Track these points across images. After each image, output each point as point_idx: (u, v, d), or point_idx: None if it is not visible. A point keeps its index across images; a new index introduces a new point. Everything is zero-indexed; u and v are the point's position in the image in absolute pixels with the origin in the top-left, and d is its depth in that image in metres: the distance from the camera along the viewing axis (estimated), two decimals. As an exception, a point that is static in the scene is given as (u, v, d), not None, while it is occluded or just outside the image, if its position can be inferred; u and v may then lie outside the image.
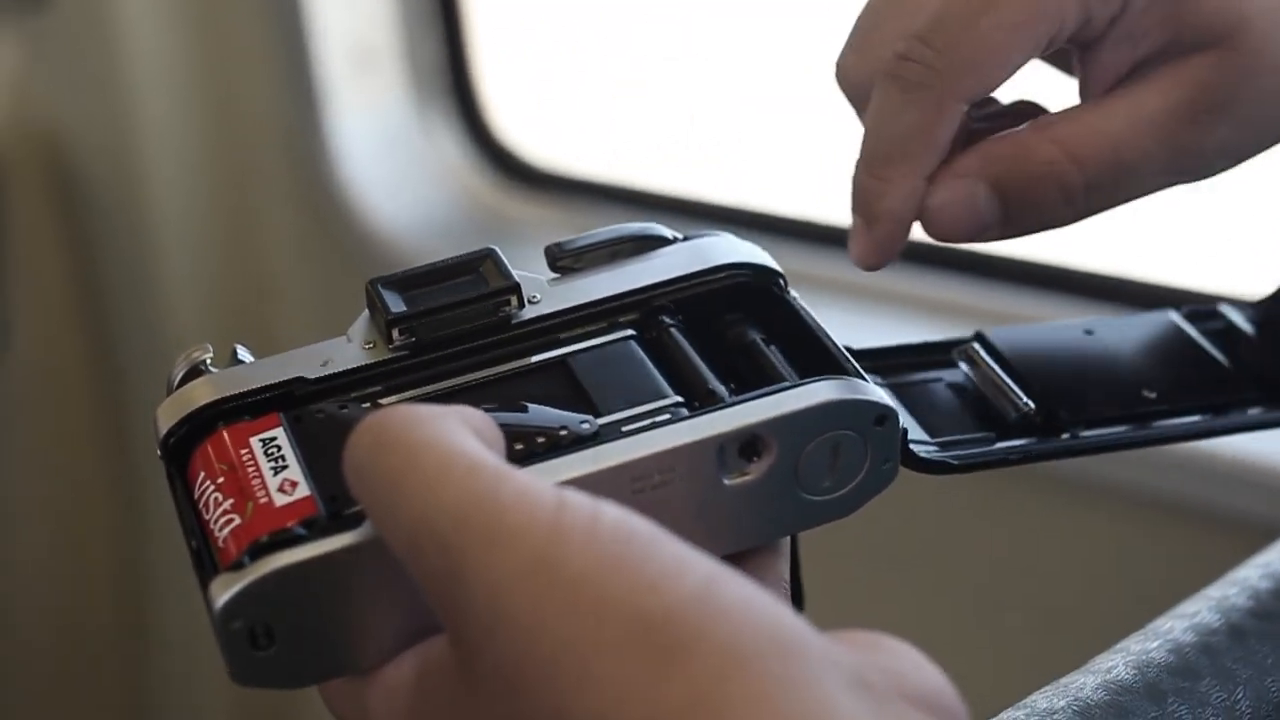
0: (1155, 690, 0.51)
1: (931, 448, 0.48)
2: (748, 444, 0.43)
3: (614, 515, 0.36)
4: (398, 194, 1.38)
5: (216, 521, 0.43)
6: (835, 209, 1.22)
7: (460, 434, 0.38)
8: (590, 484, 0.41)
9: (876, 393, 0.44)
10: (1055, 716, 0.50)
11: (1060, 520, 1.09)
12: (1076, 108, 0.52)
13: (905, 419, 0.49)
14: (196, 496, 0.44)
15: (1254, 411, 0.54)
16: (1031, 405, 0.50)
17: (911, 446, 0.47)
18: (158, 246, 1.44)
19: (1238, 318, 0.58)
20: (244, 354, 0.47)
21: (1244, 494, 1.00)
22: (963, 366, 0.53)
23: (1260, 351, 0.57)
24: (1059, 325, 0.56)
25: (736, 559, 0.44)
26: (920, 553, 1.15)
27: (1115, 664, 0.52)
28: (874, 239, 0.50)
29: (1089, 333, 0.55)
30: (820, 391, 0.43)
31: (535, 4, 1.49)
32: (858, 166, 0.51)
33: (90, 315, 1.49)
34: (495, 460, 0.38)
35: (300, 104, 1.36)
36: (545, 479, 0.40)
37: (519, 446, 0.42)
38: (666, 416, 0.43)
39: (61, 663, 1.54)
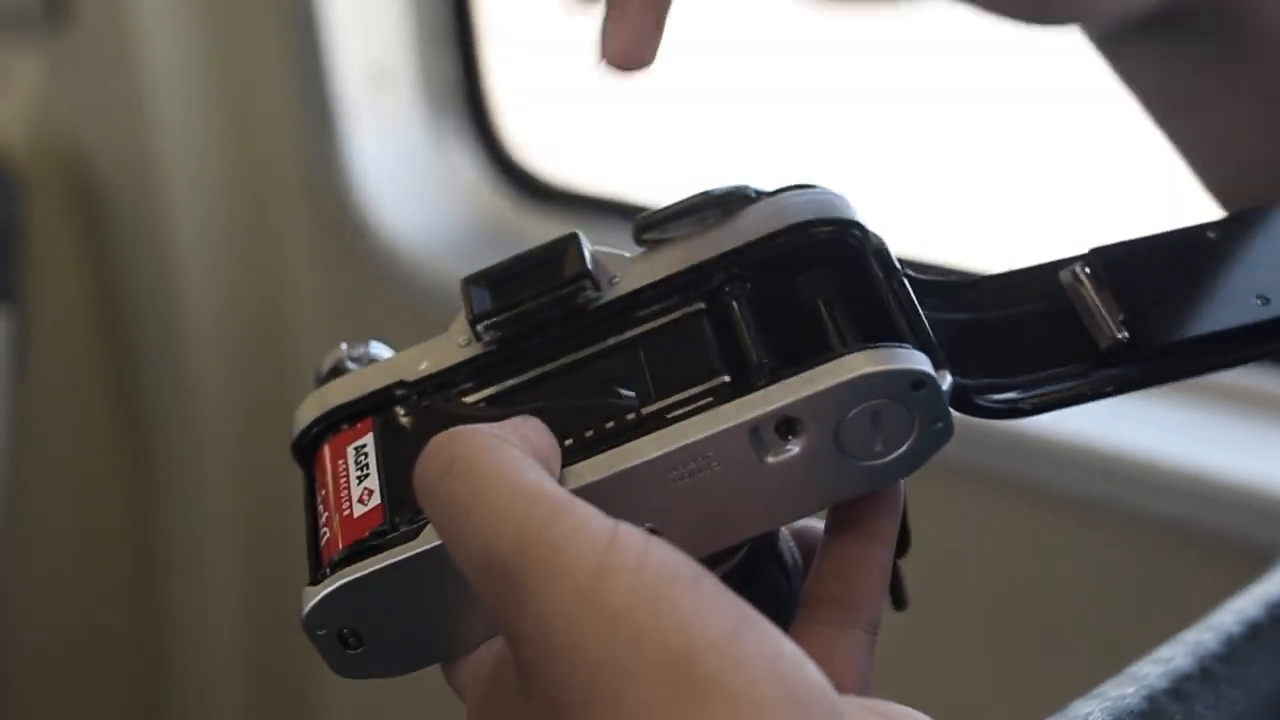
0: None
1: (1010, 391, 0.46)
2: (783, 423, 0.43)
3: (661, 554, 0.38)
4: (413, 210, 1.39)
5: (321, 532, 0.47)
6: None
7: (522, 462, 0.41)
8: (626, 478, 0.43)
9: (911, 359, 0.43)
10: None
11: (1055, 541, 1.10)
12: None
13: (992, 355, 0.47)
14: (317, 503, 0.48)
15: None
16: (1123, 331, 0.47)
17: (976, 396, 0.46)
18: (177, 262, 1.45)
19: None
20: (376, 349, 0.51)
21: (1237, 517, 1.00)
22: (1066, 290, 0.49)
23: None
24: (1182, 231, 0.50)
25: (849, 505, 0.45)
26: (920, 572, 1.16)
27: (1092, 711, 0.53)
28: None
29: (1212, 235, 0.50)
30: (849, 366, 0.43)
31: (549, 21, 1.50)
32: None
33: (110, 329, 1.50)
34: (554, 491, 0.40)
35: (317, 122, 1.38)
36: (586, 476, 0.43)
37: (569, 441, 0.45)
38: (709, 400, 0.44)
39: (77, 661, 1.56)
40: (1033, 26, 0.53)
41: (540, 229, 1.37)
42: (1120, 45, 0.58)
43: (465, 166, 1.41)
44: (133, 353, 1.51)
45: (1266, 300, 0.48)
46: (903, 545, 0.47)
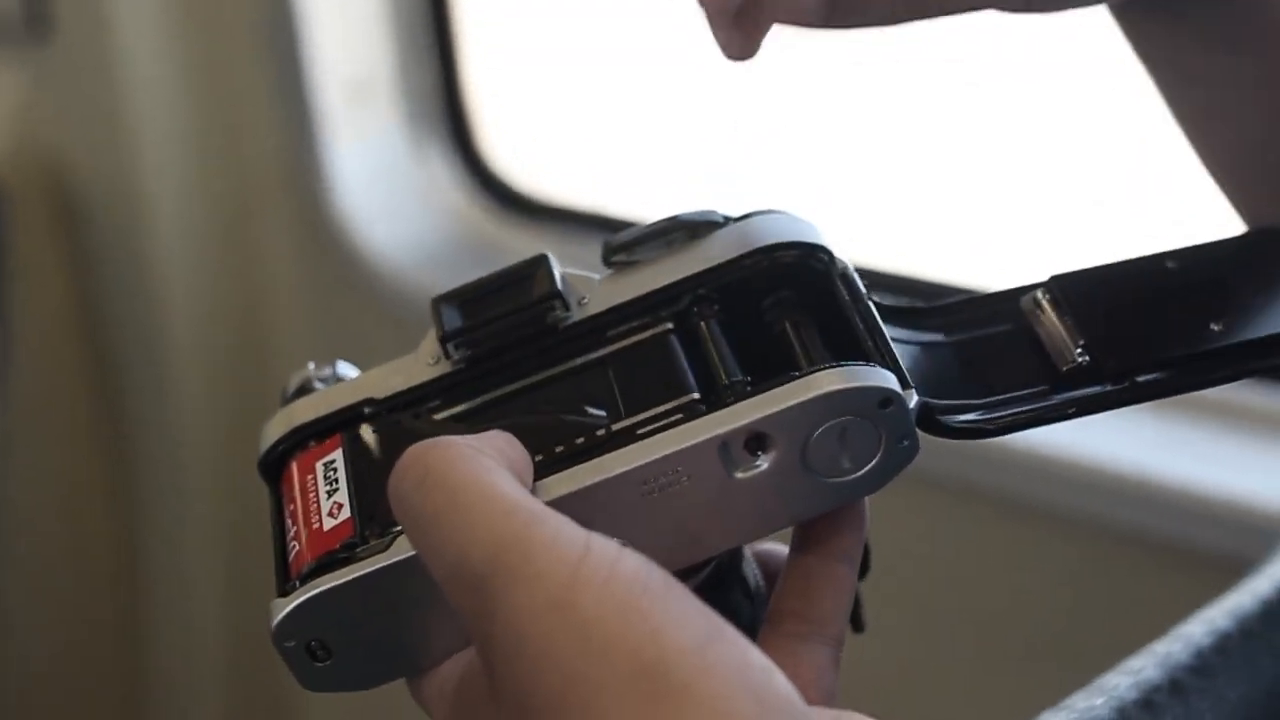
0: None
1: (974, 412, 0.47)
2: (752, 439, 0.44)
3: (632, 565, 0.39)
4: (393, 222, 1.40)
5: (289, 545, 0.47)
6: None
7: (497, 473, 0.41)
8: (598, 492, 0.44)
9: (879, 377, 0.44)
10: None
11: (1025, 552, 1.11)
12: None
13: (956, 378, 0.48)
14: (285, 517, 0.48)
15: None
16: (1083, 355, 0.48)
17: (942, 416, 0.46)
18: (158, 273, 1.46)
19: None
20: (343, 369, 0.51)
21: (1207, 528, 1.01)
22: (1027, 315, 0.51)
23: None
24: (1141, 260, 0.52)
25: (814, 523, 0.46)
26: (894, 584, 1.16)
27: None
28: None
29: (1171, 265, 0.52)
30: (818, 383, 0.44)
31: (528, 35, 1.51)
32: None
33: (92, 340, 1.51)
34: (529, 502, 0.40)
35: (297, 134, 1.38)
36: (557, 489, 0.44)
37: (539, 458, 0.45)
38: (679, 416, 0.45)
39: (61, 667, 1.57)
40: (1058, 11, 0.52)
41: (519, 242, 1.38)
42: (1132, 14, 0.57)
43: (444, 179, 1.42)
44: (114, 363, 1.52)
45: (1221, 327, 0.49)
46: (862, 568, 0.48)
